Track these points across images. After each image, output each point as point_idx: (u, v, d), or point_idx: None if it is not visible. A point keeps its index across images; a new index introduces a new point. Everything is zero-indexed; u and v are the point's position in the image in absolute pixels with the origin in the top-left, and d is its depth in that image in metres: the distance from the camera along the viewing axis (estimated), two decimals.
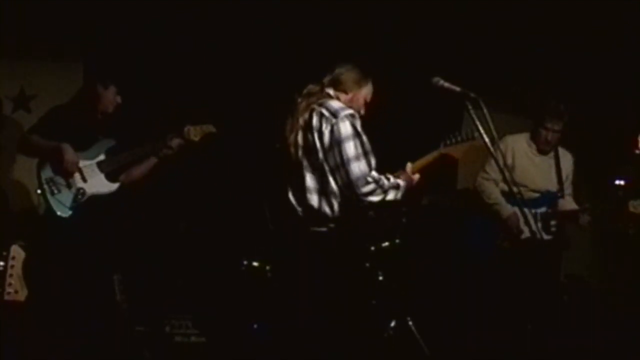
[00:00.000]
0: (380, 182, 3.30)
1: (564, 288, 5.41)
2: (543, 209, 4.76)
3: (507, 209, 4.74)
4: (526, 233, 4.68)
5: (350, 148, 3.25)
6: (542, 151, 4.83)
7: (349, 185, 3.26)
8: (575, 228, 5.16)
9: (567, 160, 4.93)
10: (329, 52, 4.71)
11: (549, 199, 4.81)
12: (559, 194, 4.84)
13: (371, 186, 3.26)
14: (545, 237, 4.72)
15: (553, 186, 4.83)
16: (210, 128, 4.40)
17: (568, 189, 4.90)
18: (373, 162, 3.31)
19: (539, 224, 4.69)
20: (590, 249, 6.10)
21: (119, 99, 4.32)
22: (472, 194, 5.07)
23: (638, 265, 5.67)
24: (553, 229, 4.77)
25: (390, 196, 3.33)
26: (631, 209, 4.61)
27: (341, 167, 3.26)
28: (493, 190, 4.79)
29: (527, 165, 4.83)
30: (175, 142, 4.34)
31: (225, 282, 4.66)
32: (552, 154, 4.88)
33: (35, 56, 5.03)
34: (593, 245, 6.12)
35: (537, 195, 4.79)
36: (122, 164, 4.29)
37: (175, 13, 5.01)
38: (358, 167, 3.24)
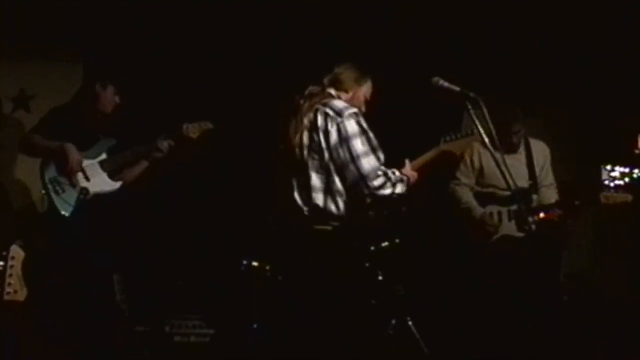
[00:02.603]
0: (389, 176, 3.34)
1: (564, 288, 5.41)
2: (515, 207, 4.75)
3: (479, 210, 4.76)
4: (502, 231, 4.71)
5: (359, 145, 3.29)
6: (513, 151, 4.79)
7: (360, 181, 3.29)
8: (575, 228, 5.16)
9: (540, 151, 4.90)
10: (329, 52, 4.72)
11: (521, 196, 4.78)
12: (532, 190, 4.83)
13: (381, 180, 3.30)
14: (518, 234, 4.72)
15: (524, 183, 4.81)
16: (209, 125, 4.40)
17: (546, 180, 4.86)
18: (382, 157, 3.35)
19: (513, 222, 4.72)
20: (591, 249, 6.10)
21: (117, 99, 4.32)
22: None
23: (638, 265, 5.68)
24: (531, 226, 4.75)
25: (399, 190, 3.38)
26: (603, 200, 4.63)
27: (351, 163, 3.29)
28: (464, 194, 4.82)
29: (493, 166, 4.80)
30: (165, 145, 4.33)
31: (226, 282, 4.66)
32: (522, 151, 4.87)
33: (35, 56, 5.03)
34: (593, 245, 6.12)
35: (507, 193, 4.77)
36: (124, 163, 4.29)
37: (177, 13, 5.01)
38: (368, 163, 3.28)
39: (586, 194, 5.00)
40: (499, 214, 4.76)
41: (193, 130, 4.35)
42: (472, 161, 4.81)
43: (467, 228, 4.81)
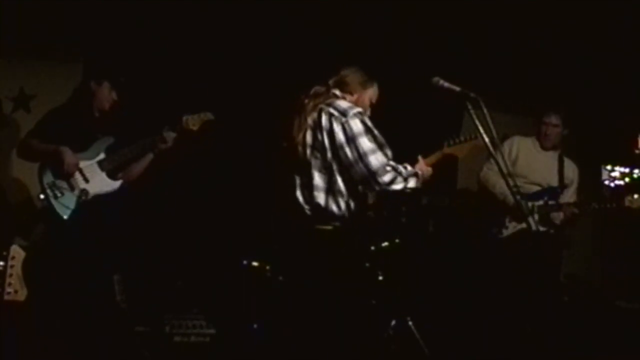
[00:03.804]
0: (399, 170, 3.35)
1: (564, 288, 5.42)
2: (541, 202, 4.82)
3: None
4: (523, 225, 4.74)
5: (366, 143, 3.30)
6: (544, 147, 4.95)
7: (369, 178, 3.30)
8: (575, 228, 5.17)
9: (571, 169, 5.04)
10: (329, 52, 4.73)
11: (549, 193, 4.88)
12: (559, 190, 4.89)
13: (391, 174, 3.31)
14: (541, 228, 4.78)
15: (554, 182, 4.90)
16: (209, 116, 4.35)
17: (572, 197, 4.96)
18: (389, 153, 3.36)
19: (536, 216, 4.77)
20: (591, 249, 6.10)
21: (114, 95, 4.30)
22: (475, 190, 5.13)
23: (638, 265, 5.69)
24: (555, 221, 4.82)
25: (411, 184, 3.39)
26: (627, 203, 4.72)
27: (359, 161, 3.29)
28: (498, 179, 4.87)
29: (529, 158, 4.96)
30: (170, 135, 4.31)
31: (226, 282, 4.66)
32: (556, 156, 4.95)
33: (35, 56, 5.03)
34: (593, 245, 6.12)
35: (537, 188, 4.86)
36: (123, 160, 4.27)
37: (177, 13, 5.01)
38: (376, 159, 3.29)
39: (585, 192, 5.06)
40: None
41: (193, 122, 4.32)
42: (509, 150, 4.91)
43: (502, 210, 4.86)
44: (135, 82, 4.56)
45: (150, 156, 4.34)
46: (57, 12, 4.87)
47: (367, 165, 3.28)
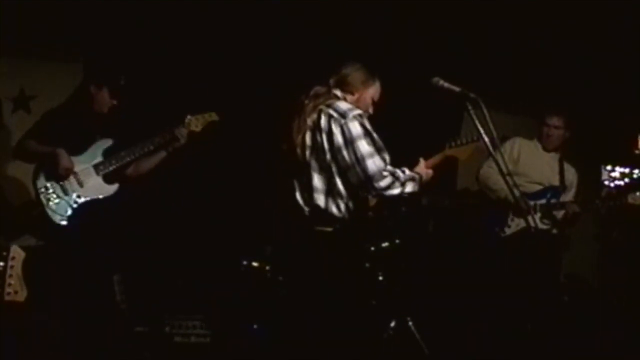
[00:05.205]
0: (397, 175, 3.32)
1: (564, 288, 5.42)
2: (543, 201, 4.83)
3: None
4: (524, 224, 4.76)
5: (364, 146, 3.27)
6: (546, 149, 4.98)
7: (366, 182, 3.27)
8: (575, 228, 5.18)
9: (571, 172, 5.06)
10: (328, 52, 4.73)
11: (552, 191, 4.89)
12: (560, 190, 4.90)
13: (388, 180, 3.28)
14: (543, 226, 4.78)
15: (555, 182, 4.92)
16: (213, 116, 4.30)
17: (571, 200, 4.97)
18: (387, 158, 3.34)
19: (538, 215, 4.79)
20: (591, 249, 6.10)
21: (113, 101, 4.26)
22: (475, 190, 5.13)
23: (638, 265, 5.68)
24: (556, 219, 4.83)
25: (409, 188, 3.36)
26: (630, 200, 4.74)
27: (356, 165, 3.27)
28: (499, 177, 4.86)
29: (531, 158, 4.99)
30: (183, 131, 4.24)
31: (226, 282, 4.66)
32: (557, 158, 4.98)
33: (35, 56, 5.02)
34: (593, 245, 6.12)
35: (539, 187, 4.90)
36: (119, 164, 4.22)
37: (177, 13, 5.01)
38: (373, 163, 3.26)
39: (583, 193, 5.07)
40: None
41: (196, 123, 4.28)
42: (511, 150, 4.95)
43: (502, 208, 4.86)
44: (135, 83, 4.55)
45: (162, 153, 4.30)
46: (57, 12, 4.86)
47: (364, 170, 3.26)
